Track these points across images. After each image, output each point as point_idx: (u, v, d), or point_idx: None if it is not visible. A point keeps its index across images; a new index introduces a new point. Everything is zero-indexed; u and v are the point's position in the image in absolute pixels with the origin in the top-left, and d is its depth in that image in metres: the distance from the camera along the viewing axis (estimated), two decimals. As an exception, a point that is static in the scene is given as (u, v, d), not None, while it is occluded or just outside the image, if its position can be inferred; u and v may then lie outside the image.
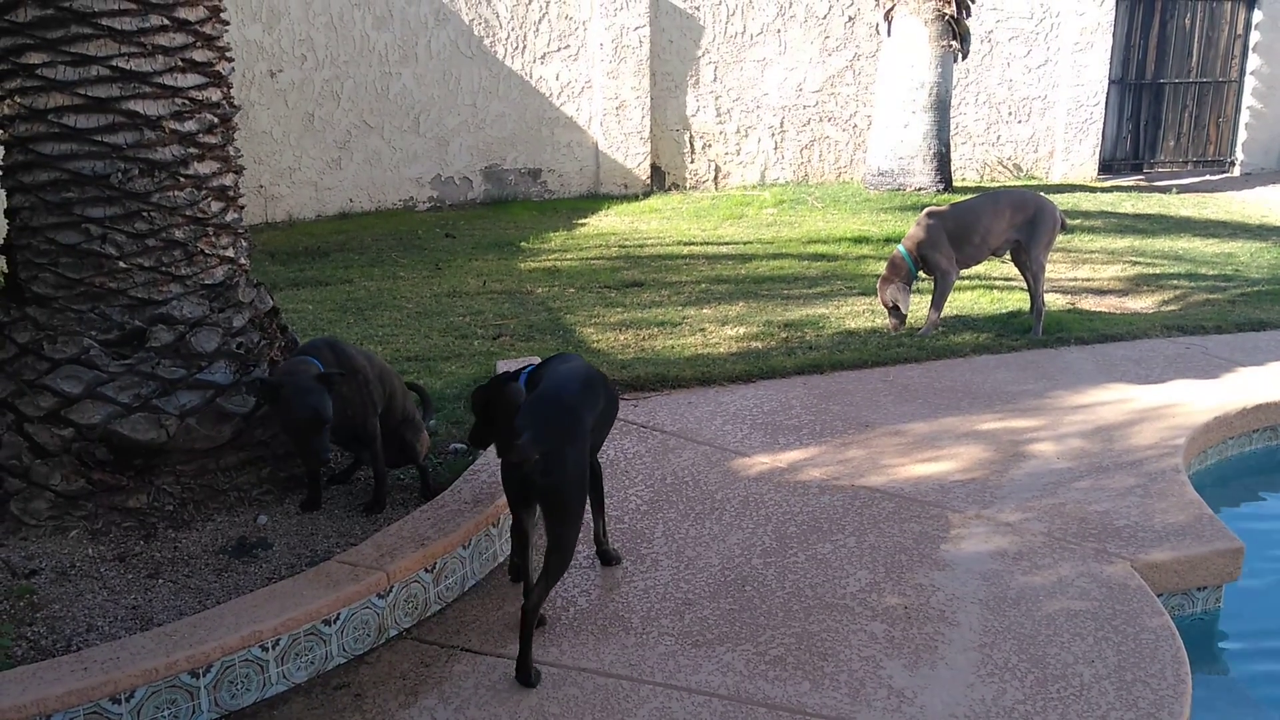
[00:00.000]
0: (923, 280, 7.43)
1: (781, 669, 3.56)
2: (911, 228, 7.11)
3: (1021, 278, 7.32)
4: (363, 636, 3.67)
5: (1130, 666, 3.53)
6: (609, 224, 11.19)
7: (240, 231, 4.61)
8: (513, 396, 3.85)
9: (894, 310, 7.01)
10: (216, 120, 4.43)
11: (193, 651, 3.25)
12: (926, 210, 7.18)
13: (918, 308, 7.37)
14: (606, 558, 4.23)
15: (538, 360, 4.35)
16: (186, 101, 4.29)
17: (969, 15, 12.25)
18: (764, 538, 4.42)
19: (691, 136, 13.12)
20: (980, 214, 7.00)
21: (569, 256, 9.60)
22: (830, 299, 7.95)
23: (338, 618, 3.58)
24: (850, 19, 13.21)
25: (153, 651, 3.23)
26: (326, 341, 4.31)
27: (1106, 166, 14.43)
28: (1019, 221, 6.99)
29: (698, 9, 12.76)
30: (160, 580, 3.87)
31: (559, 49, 12.39)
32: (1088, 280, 8.67)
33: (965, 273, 7.59)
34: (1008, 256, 7.29)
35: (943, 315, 7.24)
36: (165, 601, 3.74)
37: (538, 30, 12.25)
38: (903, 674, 3.51)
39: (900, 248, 7.00)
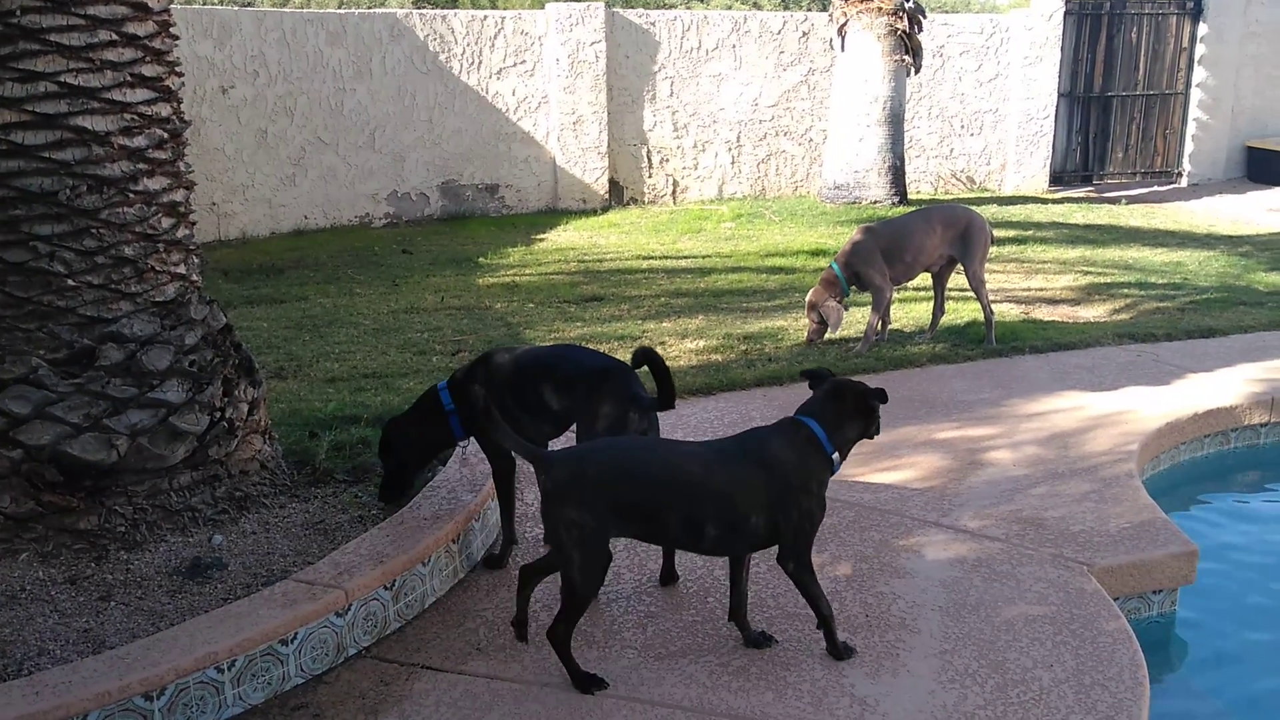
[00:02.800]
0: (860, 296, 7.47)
1: (745, 679, 3.55)
2: (845, 244, 7.13)
3: (968, 289, 7.38)
4: (321, 656, 3.62)
5: (1089, 670, 3.56)
6: (567, 239, 11.18)
7: (192, 248, 4.55)
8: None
9: (818, 323, 7.04)
10: (166, 135, 4.37)
11: (146, 674, 3.19)
12: (860, 226, 7.22)
13: (859, 321, 7.42)
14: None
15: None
16: (135, 117, 4.23)
17: (921, 30, 12.40)
18: (725, 549, 4.41)
19: (649, 151, 13.16)
20: (913, 232, 7.00)
21: (527, 272, 9.58)
22: (789, 311, 7.99)
23: (295, 637, 3.53)
24: (804, 34, 13.32)
25: (105, 675, 3.17)
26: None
27: (1057, 178, 14.64)
28: (951, 237, 7.01)
29: (653, 24, 12.81)
30: (112, 603, 3.80)
31: (515, 64, 12.39)
32: (1041, 290, 8.78)
33: (917, 284, 7.66)
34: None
35: (895, 327, 7.31)
36: (118, 624, 3.67)
37: (493, 46, 12.24)
38: (865, 682, 3.52)
39: (833, 263, 7.03)
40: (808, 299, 7.08)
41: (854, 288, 7.02)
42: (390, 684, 3.57)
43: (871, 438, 3.68)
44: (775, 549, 3.57)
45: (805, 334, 7.17)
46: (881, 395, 3.57)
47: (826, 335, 7.11)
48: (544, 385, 4.06)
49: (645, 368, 3.92)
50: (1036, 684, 3.50)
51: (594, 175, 12.83)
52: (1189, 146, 15.05)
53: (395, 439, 4.29)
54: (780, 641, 3.75)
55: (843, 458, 3.58)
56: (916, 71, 12.55)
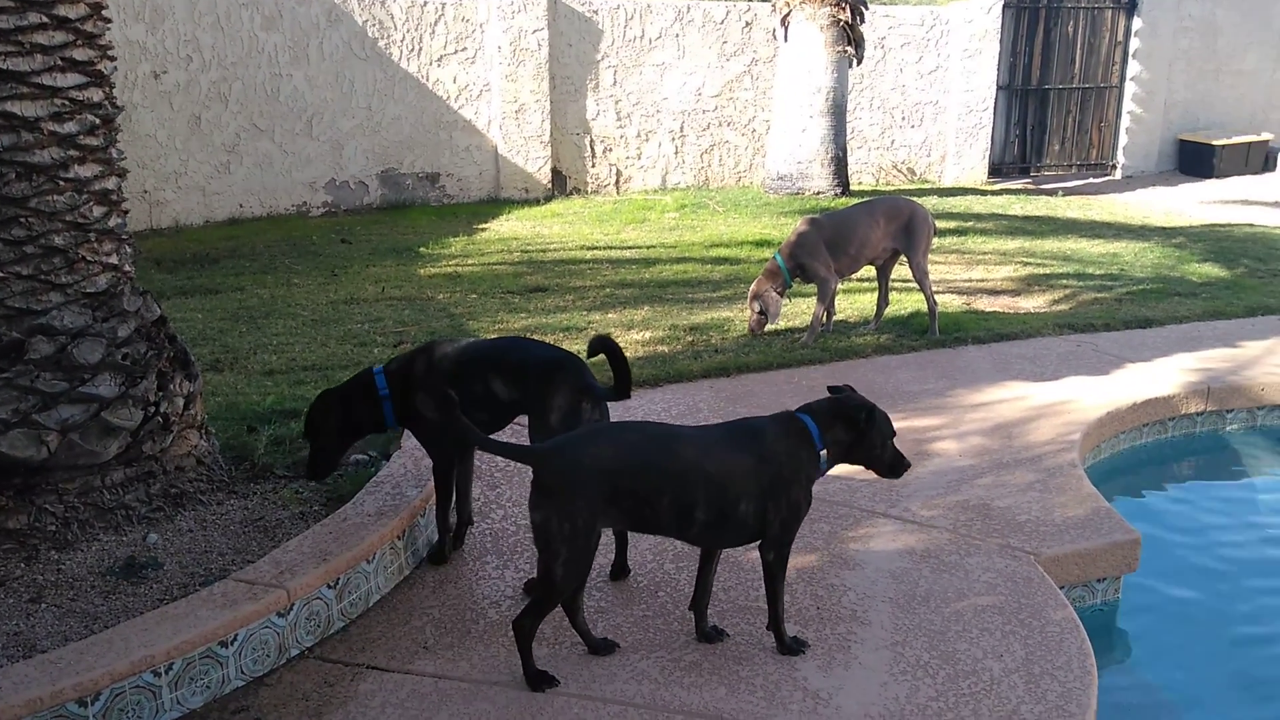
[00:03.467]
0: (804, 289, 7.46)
1: (697, 675, 3.52)
2: (790, 235, 7.12)
3: (911, 280, 7.41)
4: (262, 657, 3.53)
5: (1038, 659, 3.58)
6: (510, 229, 11.07)
7: (124, 238, 4.40)
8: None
9: (759, 314, 7.02)
10: (98, 121, 4.22)
11: (80, 679, 3.08)
12: (805, 218, 7.20)
13: (804, 313, 7.42)
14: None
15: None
16: (66, 102, 4.08)
17: (863, 21, 12.44)
18: (675, 543, 4.38)
19: (592, 140, 13.07)
20: (857, 224, 7.00)
21: (470, 262, 9.46)
22: (734, 302, 7.97)
23: (235, 639, 3.43)
24: (747, 24, 13.31)
25: (36, 680, 3.05)
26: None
27: (996, 170, 14.80)
28: (894, 230, 7.03)
29: (596, 13, 12.72)
30: (43, 605, 3.67)
31: (456, 51, 12.22)
32: (981, 281, 8.86)
33: (862, 275, 7.68)
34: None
35: (840, 318, 7.32)
36: (49, 627, 3.55)
37: (434, 32, 12.07)
38: (817, 675, 3.51)
39: (776, 255, 7.01)
40: (750, 290, 7.06)
41: (798, 280, 7.01)
42: (335, 685, 3.49)
43: (882, 470, 3.68)
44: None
45: (747, 325, 7.15)
46: (873, 413, 3.59)
47: (768, 326, 7.09)
48: (492, 376, 3.99)
49: (600, 357, 3.87)
50: (987, 674, 3.51)
51: (537, 164, 12.72)
52: (1123, 139, 15.29)
53: (322, 417, 4.16)
54: (732, 636, 3.72)
55: (831, 460, 3.59)
56: (859, 63, 12.60)
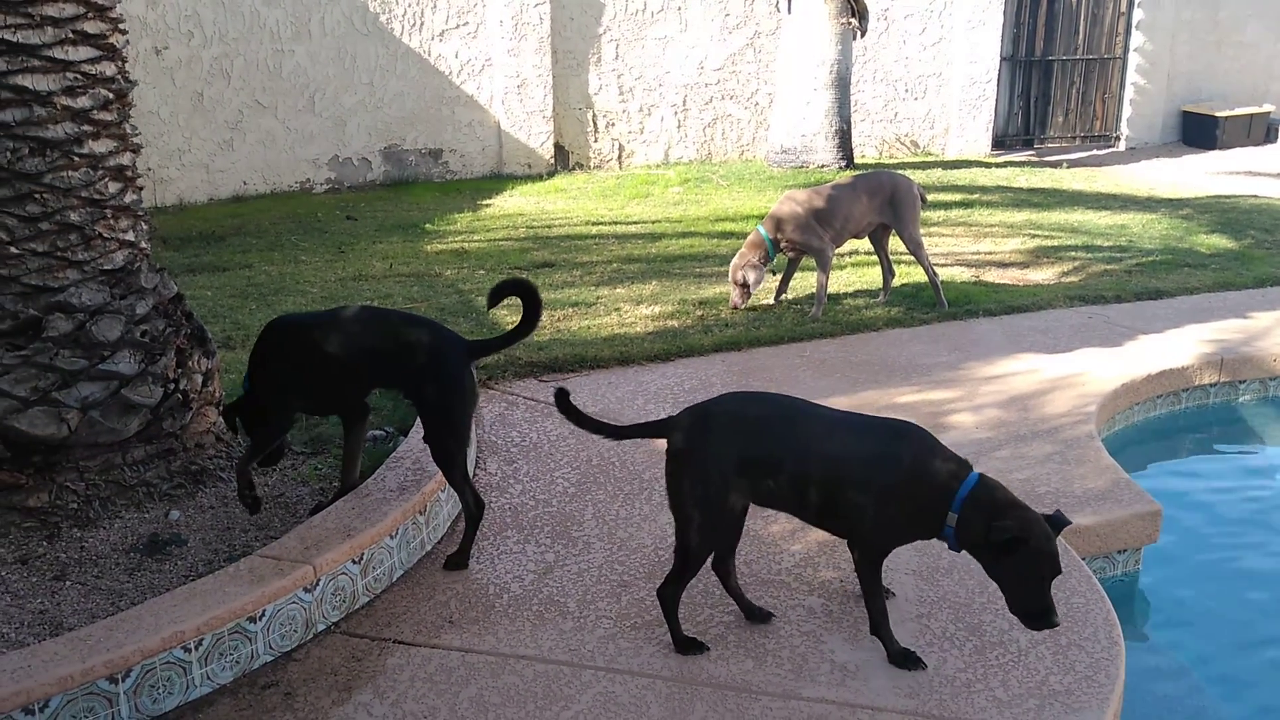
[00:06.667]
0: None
1: (723, 647, 3.52)
2: (775, 207, 7.05)
3: (903, 252, 7.35)
4: (290, 633, 3.53)
5: (1064, 630, 3.58)
6: (515, 204, 11.02)
7: (140, 214, 4.37)
8: None
9: (743, 286, 6.96)
10: (111, 96, 4.19)
11: (110, 656, 3.08)
12: (786, 194, 7.16)
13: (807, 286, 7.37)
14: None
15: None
16: (79, 76, 4.04)
17: (867, -7, 12.35)
18: (695, 516, 4.38)
19: (595, 115, 12.99)
20: (840, 199, 6.96)
21: (476, 238, 9.42)
22: (742, 276, 7.93)
23: (263, 614, 3.43)
24: (750, -4, 13.20)
25: (67, 658, 3.05)
26: None
27: (999, 142, 14.72)
28: (878, 204, 6.98)
29: (598, -14, 12.62)
30: (68, 582, 3.67)
31: (457, 26, 12.13)
32: (989, 254, 8.83)
33: (869, 247, 7.65)
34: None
35: (850, 290, 7.30)
36: (75, 604, 3.54)
37: (435, 6, 11.96)
38: (844, 648, 3.51)
39: (760, 228, 6.97)
40: (733, 263, 7.00)
41: (788, 252, 6.99)
42: (362, 659, 3.49)
43: (1013, 605, 3.25)
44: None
45: (730, 300, 7.05)
46: (1025, 544, 3.15)
47: (749, 300, 7.04)
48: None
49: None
50: (1014, 645, 3.52)
51: (539, 140, 12.65)
52: (1127, 111, 15.22)
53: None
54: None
55: (957, 538, 3.28)
56: (862, 35, 12.51)
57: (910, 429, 3.43)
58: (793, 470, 3.33)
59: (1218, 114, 15.02)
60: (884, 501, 3.29)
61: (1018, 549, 3.14)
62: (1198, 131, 15.24)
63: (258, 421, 4.08)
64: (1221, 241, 9.30)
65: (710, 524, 3.38)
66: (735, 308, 7.04)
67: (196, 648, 3.26)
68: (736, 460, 3.33)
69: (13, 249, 3.92)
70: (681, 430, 3.42)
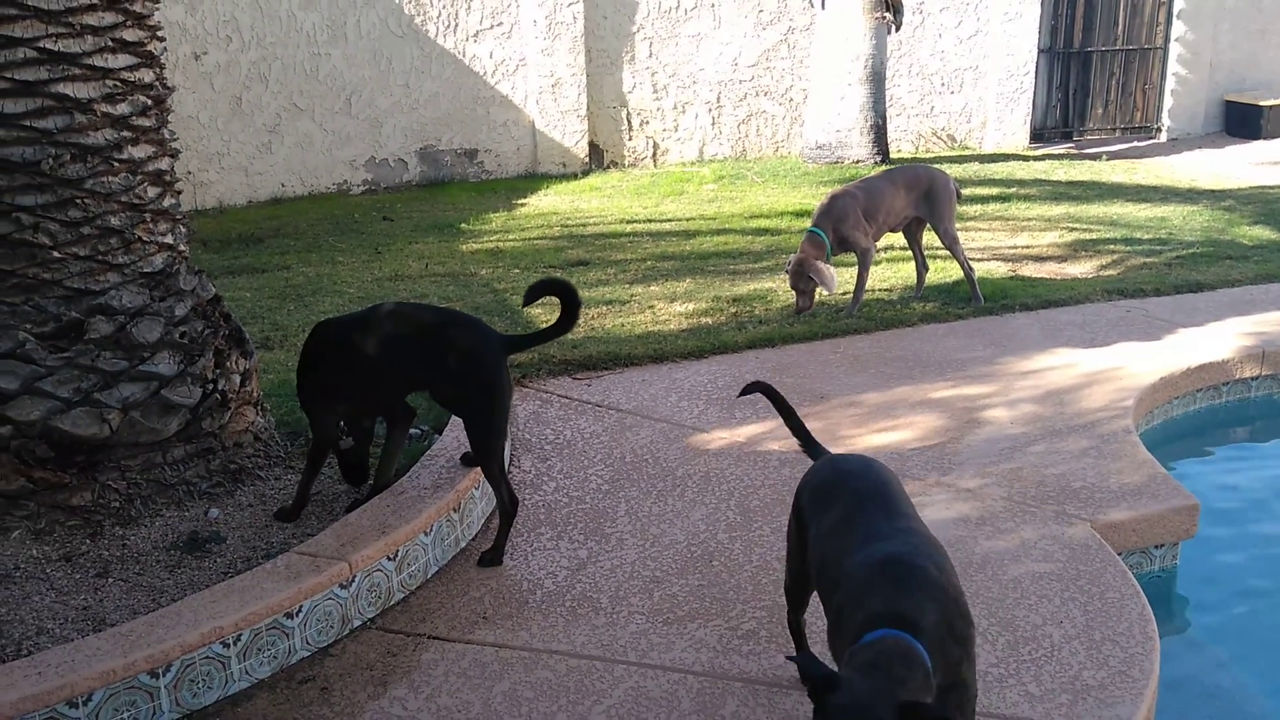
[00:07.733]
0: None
1: (755, 643, 3.54)
2: (825, 204, 6.91)
3: (937, 247, 7.29)
4: (326, 628, 3.58)
5: (1098, 626, 3.56)
6: (549, 203, 11.07)
7: (179, 217, 4.45)
8: None
9: (807, 293, 6.79)
10: (150, 102, 4.26)
11: (151, 651, 3.15)
12: (834, 189, 7.09)
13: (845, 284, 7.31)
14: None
15: None
16: (118, 83, 4.12)
17: (901, -14, 12.29)
18: (728, 512, 4.40)
19: (629, 114, 13.02)
20: (883, 192, 6.91)
21: (511, 237, 9.48)
22: (776, 273, 7.92)
23: (300, 610, 3.49)
24: (783, -8, 13.17)
25: (109, 653, 3.12)
26: None
27: (1037, 135, 14.58)
28: (914, 198, 6.94)
29: (631, -16, 12.64)
30: (110, 579, 3.74)
31: (491, 26, 12.20)
32: (1027, 247, 8.76)
33: (900, 241, 7.62)
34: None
35: (884, 285, 7.27)
36: (117, 601, 3.62)
37: (469, 7, 12.04)
38: (876, 643, 3.50)
39: (814, 229, 6.81)
40: (792, 266, 6.76)
41: (837, 251, 6.96)
42: (397, 655, 3.54)
43: None
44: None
45: (795, 305, 6.88)
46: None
47: (819, 298, 6.98)
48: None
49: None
50: (1047, 641, 3.50)
51: (574, 139, 12.69)
52: (1168, 101, 15.01)
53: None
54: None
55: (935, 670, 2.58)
56: (897, 29, 12.44)
57: (908, 555, 2.87)
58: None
59: (1262, 103, 14.78)
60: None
61: None
62: (1241, 122, 15.00)
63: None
64: (1264, 233, 9.16)
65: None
66: (800, 313, 6.82)
67: (235, 643, 3.32)
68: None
69: (55, 253, 4.00)
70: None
